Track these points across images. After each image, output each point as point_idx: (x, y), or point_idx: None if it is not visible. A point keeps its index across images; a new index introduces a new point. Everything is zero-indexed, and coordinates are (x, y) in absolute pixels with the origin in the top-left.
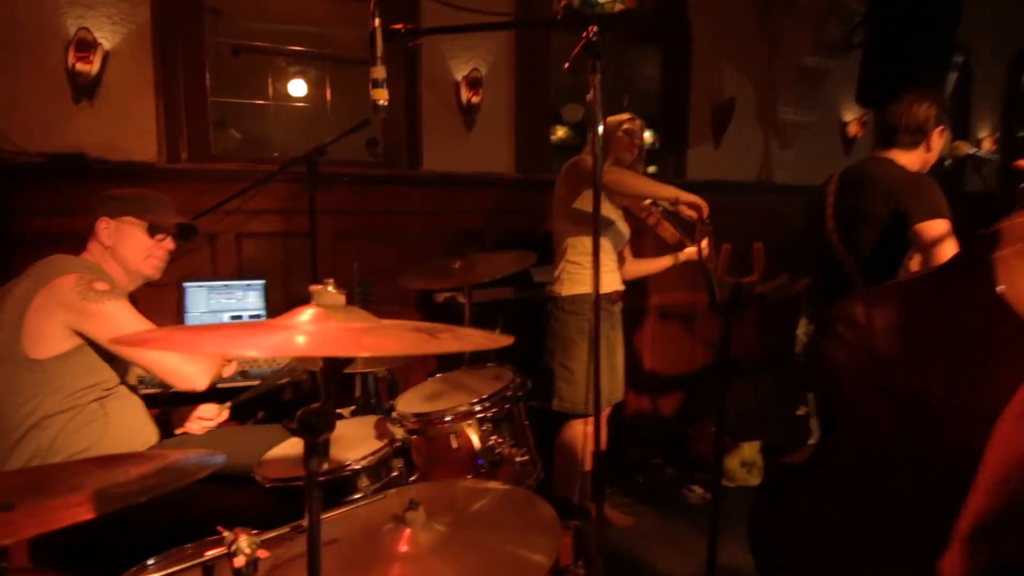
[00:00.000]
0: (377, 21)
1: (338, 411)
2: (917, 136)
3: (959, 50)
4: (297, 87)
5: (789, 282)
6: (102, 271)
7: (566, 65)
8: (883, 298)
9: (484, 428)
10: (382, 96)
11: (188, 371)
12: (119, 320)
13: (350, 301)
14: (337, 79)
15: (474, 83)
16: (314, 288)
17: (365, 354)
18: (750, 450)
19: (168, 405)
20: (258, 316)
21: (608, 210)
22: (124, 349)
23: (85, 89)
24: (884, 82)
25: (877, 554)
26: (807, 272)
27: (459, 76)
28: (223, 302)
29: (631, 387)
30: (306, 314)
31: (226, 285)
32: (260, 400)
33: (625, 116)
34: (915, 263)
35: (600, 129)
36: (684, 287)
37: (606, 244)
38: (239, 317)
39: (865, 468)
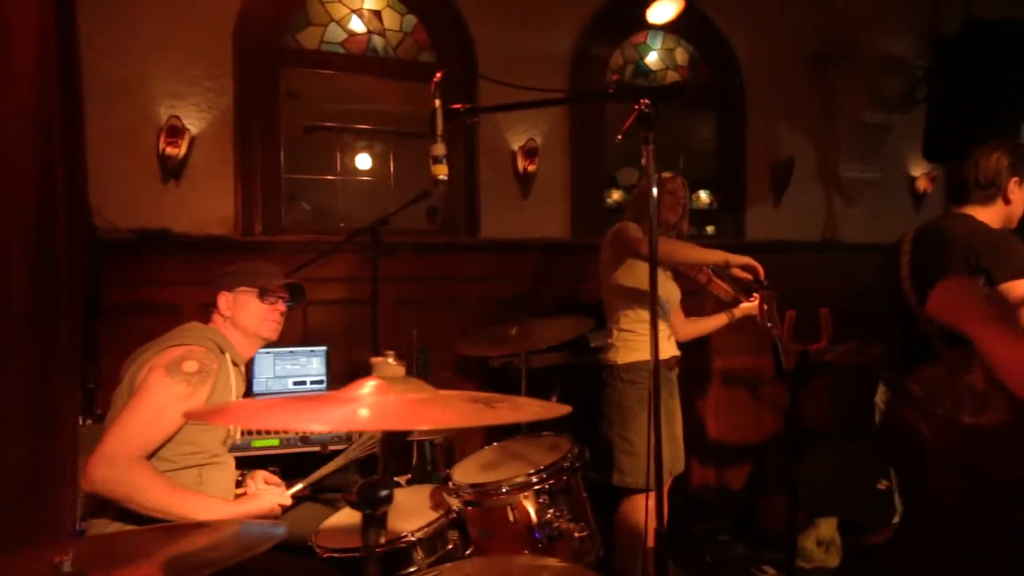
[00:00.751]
0: (437, 101)
1: (395, 479)
2: (991, 190)
3: None
4: (362, 161)
5: (858, 349)
6: (223, 338)
7: (618, 137)
8: (968, 365)
9: (541, 500)
10: (442, 172)
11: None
12: (154, 400)
13: (409, 369)
14: (399, 153)
15: (530, 152)
16: (375, 360)
17: (424, 427)
18: (827, 528)
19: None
20: (320, 382)
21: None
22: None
23: (173, 171)
24: (952, 136)
25: None
26: (881, 335)
27: (515, 146)
28: (288, 368)
29: (695, 457)
30: (367, 386)
31: (291, 352)
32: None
33: (667, 175)
34: None
35: (655, 194)
36: (747, 350)
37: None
38: (302, 383)
39: (951, 551)
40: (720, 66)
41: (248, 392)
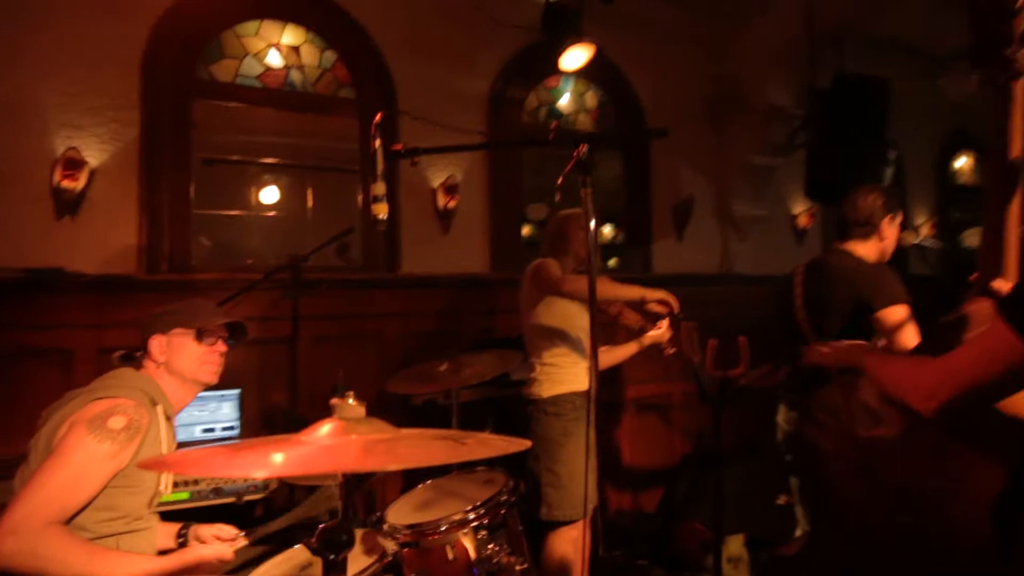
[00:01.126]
0: (378, 142)
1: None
2: (868, 228)
3: (892, 146)
4: (273, 196)
5: (770, 373)
6: (156, 388)
7: (559, 180)
8: (860, 386)
9: (480, 536)
10: (382, 211)
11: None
12: (74, 461)
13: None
14: (317, 188)
15: (450, 189)
16: (335, 401)
17: (400, 467)
18: (735, 544)
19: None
20: (231, 428)
21: (573, 309)
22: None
23: (69, 205)
24: (828, 178)
25: None
26: (780, 359)
27: (436, 183)
28: (195, 414)
29: (610, 484)
30: (326, 428)
31: (199, 396)
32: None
33: (578, 211)
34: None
35: (592, 234)
36: (658, 378)
37: (577, 343)
38: (211, 430)
39: (856, 557)
40: (626, 110)
41: None
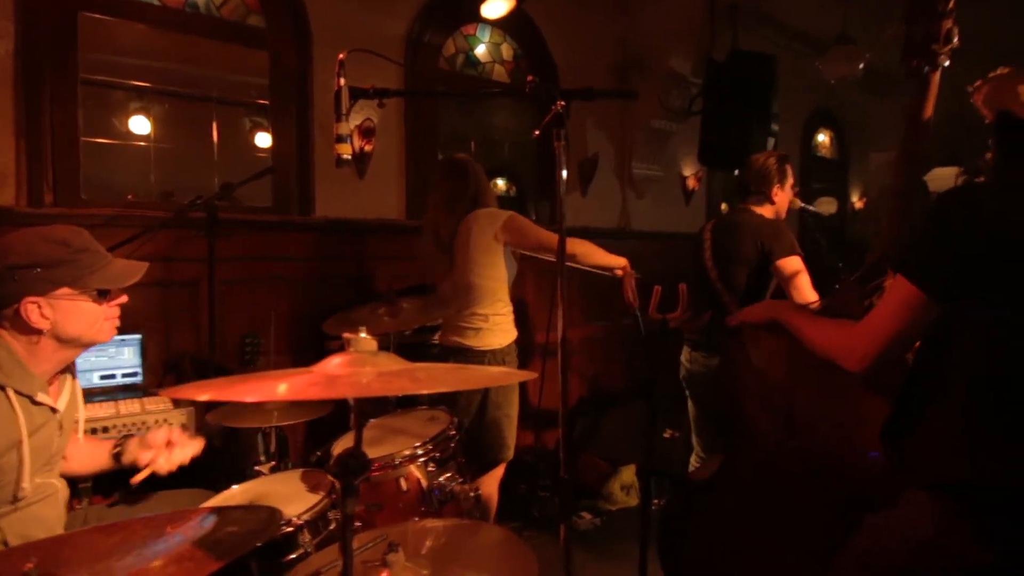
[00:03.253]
0: (343, 80)
1: (257, 468)
2: (761, 194)
3: (775, 119)
4: (145, 125)
5: (692, 317)
6: (9, 360)
7: (536, 132)
8: (771, 329)
9: (431, 469)
10: (346, 150)
11: None
12: None
13: (240, 354)
14: (221, 121)
15: (367, 132)
16: (349, 335)
17: (426, 391)
18: (628, 473)
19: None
20: (133, 375)
21: (509, 262)
22: None
23: None
24: (719, 144)
25: (778, 558)
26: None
27: (352, 125)
28: (92, 360)
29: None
30: (337, 361)
31: None
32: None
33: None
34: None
35: (562, 190)
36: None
37: (506, 293)
38: (112, 377)
39: (761, 480)
40: (540, 65)
41: None
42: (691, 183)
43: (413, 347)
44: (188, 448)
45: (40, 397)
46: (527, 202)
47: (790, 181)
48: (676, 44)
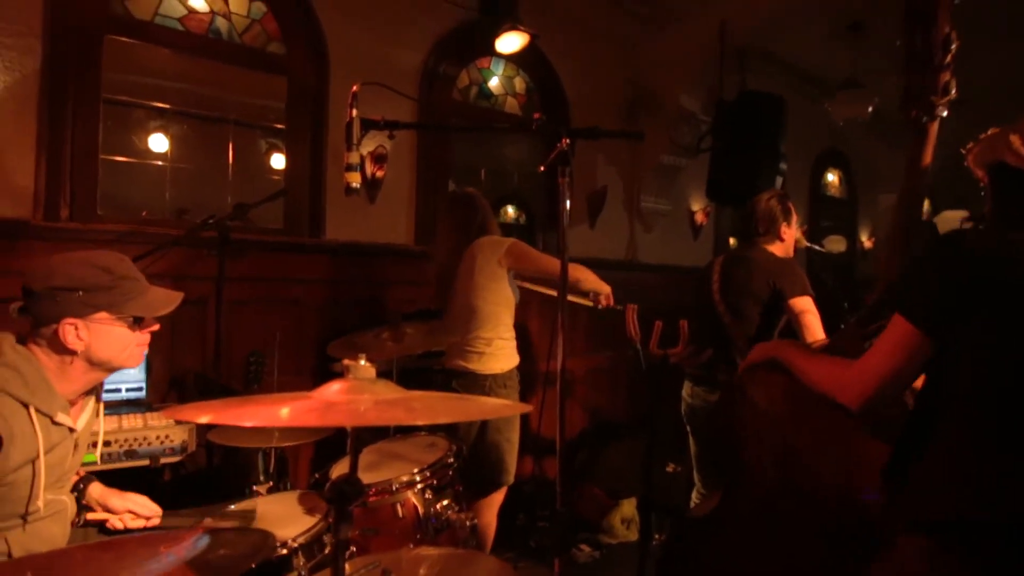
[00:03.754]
0: (355, 111)
1: (254, 488)
2: (769, 233)
3: (783, 158)
4: (158, 143)
5: (696, 352)
6: (35, 379)
7: (541, 168)
8: (772, 367)
9: (427, 496)
10: (355, 179)
11: None
12: None
13: (245, 373)
14: (238, 143)
15: (379, 159)
16: (348, 362)
17: (421, 422)
18: (628, 507)
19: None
20: (138, 389)
21: (512, 287)
22: None
23: None
24: (727, 181)
25: None
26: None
27: (364, 151)
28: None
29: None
30: (336, 386)
31: None
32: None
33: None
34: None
35: (565, 223)
36: (564, 354)
37: (511, 320)
38: (116, 391)
39: (760, 518)
40: (551, 100)
41: None
42: (699, 218)
43: (417, 372)
44: (146, 520)
45: (60, 417)
46: (536, 231)
47: (795, 218)
48: (686, 83)
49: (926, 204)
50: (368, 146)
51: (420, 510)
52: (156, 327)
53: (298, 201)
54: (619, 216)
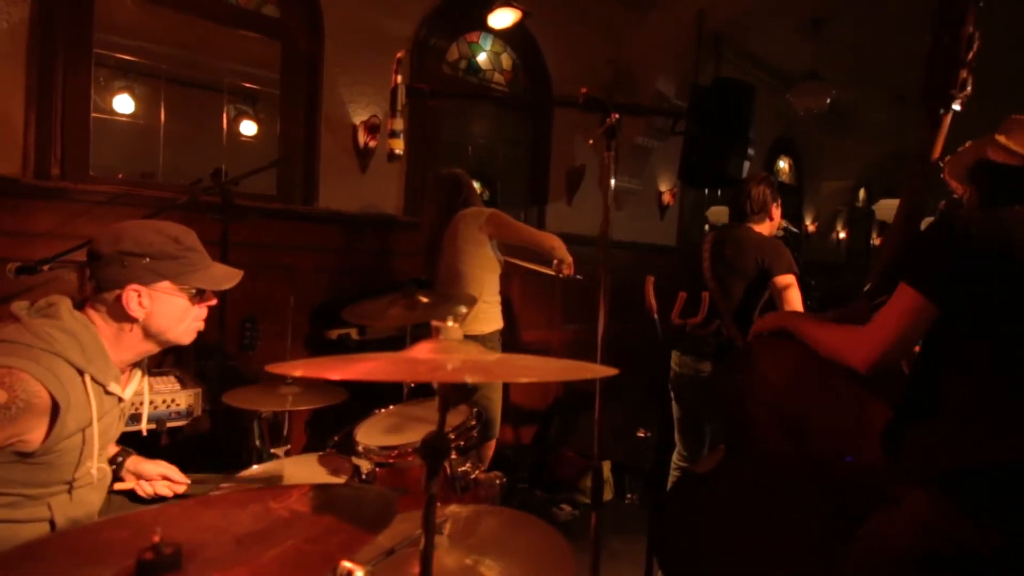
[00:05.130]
0: (399, 77)
1: (273, 451)
2: (761, 212)
3: (751, 144)
4: (123, 104)
5: (704, 324)
6: (93, 347)
7: (590, 141)
8: (781, 337)
9: (452, 457)
10: (398, 146)
11: None
12: None
13: (240, 338)
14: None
15: (372, 128)
16: (438, 324)
17: (529, 380)
18: (604, 469)
19: (134, 448)
20: None
21: (496, 255)
22: None
23: None
24: (698, 164)
25: (774, 556)
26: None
27: (357, 120)
28: None
29: None
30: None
31: None
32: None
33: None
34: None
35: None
36: (542, 326)
37: (495, 286)
38: None
39: (761, 482)
40: (536, 77)
41: None
42: (666, 198)
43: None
44: (175, 487)
45: (112, 387)
46: (517, 207)
47: (780, 200)
48: (663, 67)
49: (862, 193)
50: (361, 115)
51: (448, 470)
52: (214, 302)
53: (292, 169)
54: (594, 194)
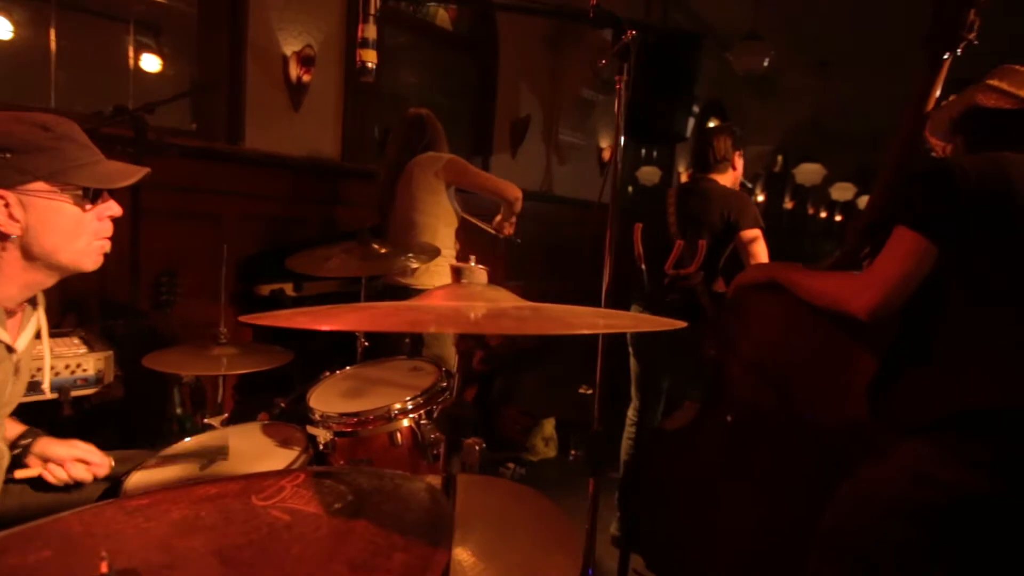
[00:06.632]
0: None
1: (206, 421)
2: (724, 162)
3: (696, 100)
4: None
5: (688, 276)
6: None
7: (602, 62)
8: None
9: (423, 423)
10: (371, 57)
11: None
12: None
13: (155, 294)
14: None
15: (306, 60)
16: (458, 264)
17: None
18: (548, 427)
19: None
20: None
21: (452, 206)
22: None
23: None
24: (643, 119)
25: (750, 508)
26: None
27: (288, 51)
28: None
29: None
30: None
31: None
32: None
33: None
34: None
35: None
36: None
37: (450, 238)
38: None
39: (739, 436)
40: (481, 19)
41: None
42: (607, 154)
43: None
44: (96, 470)
45: None
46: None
47: (742, 150)
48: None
49: (779, 159)
50: (293, 44)
51: (420, 437)
52: (116, 211)
53: (213, 102)
54: (537, 147)
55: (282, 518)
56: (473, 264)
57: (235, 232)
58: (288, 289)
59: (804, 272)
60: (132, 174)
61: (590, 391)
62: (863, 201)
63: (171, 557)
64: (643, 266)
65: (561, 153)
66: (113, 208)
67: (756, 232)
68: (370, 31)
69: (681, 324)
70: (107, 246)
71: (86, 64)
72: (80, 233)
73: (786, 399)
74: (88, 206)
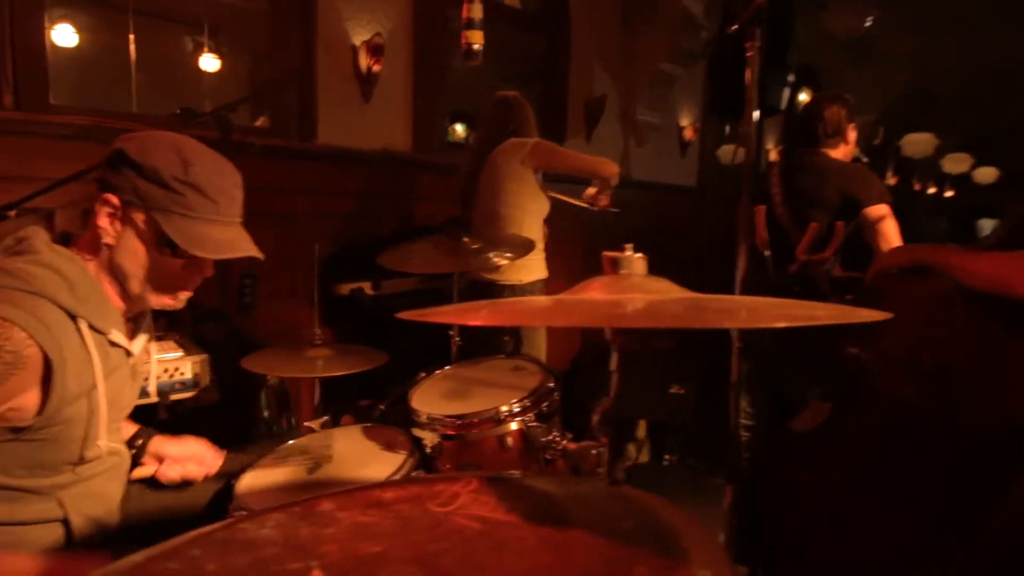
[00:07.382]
0: None
1: (307, 424)
2: (836, 136)
3: (791, 70)
4: (64, 35)
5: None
6: (83, 284)
7: (734, 27)
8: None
9: (532, 425)
10: (477, 39)
11: None
12: None
13: (239, 297)
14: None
15: (375, 49)
16: (612, 255)
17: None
18: (639, 430)
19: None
20: None
21: (541, 198)
22: None
23: None
24: (728, 94)
25: (892, 519)
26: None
27: (358, 40)
28: None
29: None
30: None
31: None
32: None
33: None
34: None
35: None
36: (564, 275)
37: (539, 231)
38: None
39: (886, 434)
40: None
41: None
42: (688, 134)
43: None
44: (209, 468)
45: (114, 335)
46: None
47: (855, 122)
48: None
49: (880, 130)
50: (362, 33)
51: (532, 440)
52: (206, 274)
53: (286, 100)
54: (613, 129)
55: (471, 525)
56: (628, 252)
57: (309, 231)
58: (367, 288)
59: (967, 253)
60: (232, 250)
61: (682, 391)
62: (981, 174)
63: (367, 566)
64: (766, 252)
65: (639, 134)
66: (205, 269)
67: (884, 209)
68: (475, 10)
69: (887, 315)
70: (188, 293)
71: (151, 67)
72: (157, 275)
73: (938, 398)
74: (169, 255)
